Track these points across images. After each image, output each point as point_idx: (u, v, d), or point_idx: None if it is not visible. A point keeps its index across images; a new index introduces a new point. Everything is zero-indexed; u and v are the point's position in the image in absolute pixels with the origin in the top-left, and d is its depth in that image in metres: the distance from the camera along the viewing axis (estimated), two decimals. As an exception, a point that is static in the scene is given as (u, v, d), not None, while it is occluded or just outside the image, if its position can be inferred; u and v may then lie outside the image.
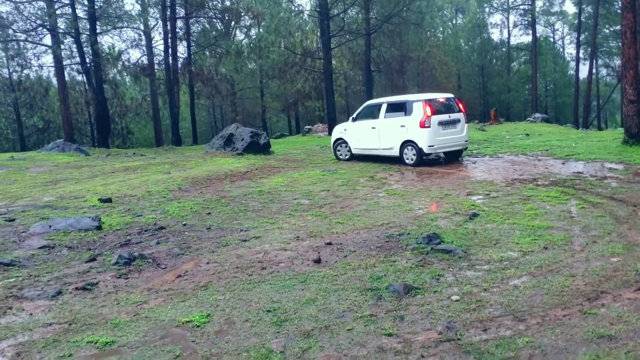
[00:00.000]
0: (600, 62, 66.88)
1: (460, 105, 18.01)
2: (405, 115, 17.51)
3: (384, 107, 18.28)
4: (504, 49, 72.20)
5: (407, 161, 17.53)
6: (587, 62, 62.32)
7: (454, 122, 17.54)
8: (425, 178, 14.97)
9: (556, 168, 15.38)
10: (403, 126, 17.49)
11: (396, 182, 14.62)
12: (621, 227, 9.06)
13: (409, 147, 17.42)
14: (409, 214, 10.57)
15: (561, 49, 78.15)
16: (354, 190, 13.53)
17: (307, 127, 43.80)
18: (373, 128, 18.46)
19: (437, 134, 17.12)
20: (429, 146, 17.12)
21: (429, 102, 17.21)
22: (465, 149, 18.39)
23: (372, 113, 18.91)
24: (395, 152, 17.84)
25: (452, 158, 18.28)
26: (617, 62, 59.44)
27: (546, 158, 17.56)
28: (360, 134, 18.99)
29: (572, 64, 71.22)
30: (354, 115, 19.34)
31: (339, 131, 19.98)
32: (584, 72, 64.51)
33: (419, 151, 17.14)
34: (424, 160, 17.41)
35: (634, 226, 9.09)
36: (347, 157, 19.65)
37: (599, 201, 10.93)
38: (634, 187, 12.15)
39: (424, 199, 12.03)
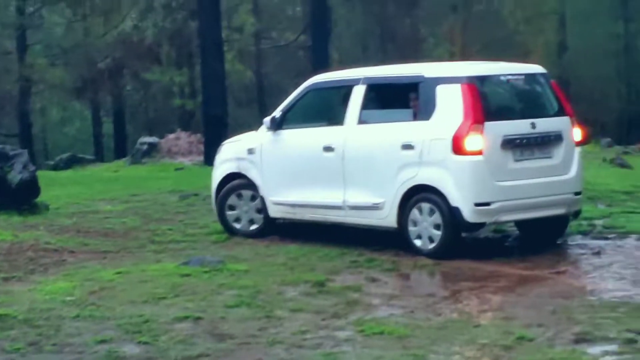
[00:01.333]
0: None
1: (560, 97, 8.79)
2: (416, 117, 8.44)
3: (358, 94, 8.79)
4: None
5: (416, 243, 8.29)
6: None
7: (544, 142, 8.41)
8: (467, 291, 7.04)
9: None
10: (409, 147, 8.26)
11: (387, 299, 6.78)
12: None
13: (425, 205, 8.22)
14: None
15: None
16: (269, 321, 6.07)
17: (146, 140, 22.98)
18: (327, 149, 8.87)
19: (500, 173, 8.09)
20: (479, 204, 7.99)
21: (476, 83, 8.18)
22: (576, 214, 8.77)
23: (325, 108, 9.77)
24: (387, 215, 8.46)
25: (541, 236, 8.85)
26: None
27: None
28: (293, 165, 9.24)
29: None
30: (278, 114, 9.37)
31: (234, 156, 9.68)
32: None
33: (453, 216, 7.99)
34: (464, 240, 8.57)
35: None
36: (254, 227, 9.50)
37: None
38: None
39: (459, 348, 5.48)
